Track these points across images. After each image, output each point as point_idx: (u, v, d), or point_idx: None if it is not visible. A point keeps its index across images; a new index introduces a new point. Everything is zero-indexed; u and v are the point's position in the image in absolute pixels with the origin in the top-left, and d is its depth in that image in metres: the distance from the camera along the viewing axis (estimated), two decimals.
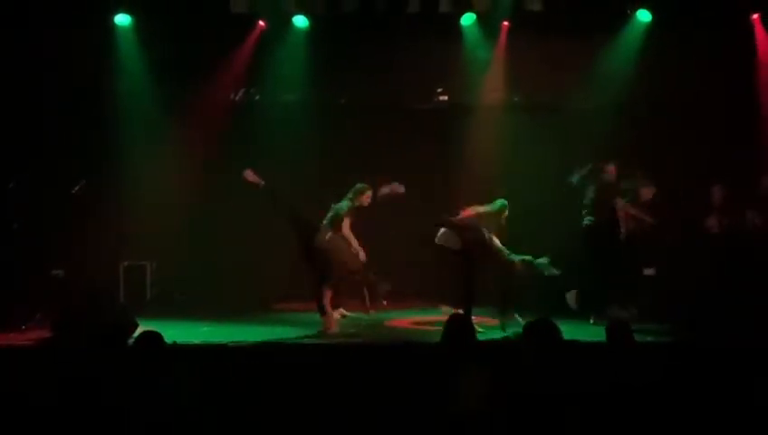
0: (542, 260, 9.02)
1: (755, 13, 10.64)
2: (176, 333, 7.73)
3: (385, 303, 10.05)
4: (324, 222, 8.95)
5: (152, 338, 5.32)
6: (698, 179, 10.39)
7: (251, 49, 11.02)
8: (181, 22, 10.46)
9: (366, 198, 9.12)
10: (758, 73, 10.83)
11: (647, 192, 9.76)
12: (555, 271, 9.02)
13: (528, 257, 9.06)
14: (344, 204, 9.03)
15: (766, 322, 8.29)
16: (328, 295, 8.89)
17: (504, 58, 11.03)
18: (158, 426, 4.84)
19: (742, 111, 10.74)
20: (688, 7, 10.26)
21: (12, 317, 8.92)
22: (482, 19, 10.83)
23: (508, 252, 8.99)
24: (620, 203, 9.58)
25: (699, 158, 10.62)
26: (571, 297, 9.57)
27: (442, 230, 9.12)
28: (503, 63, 11.07)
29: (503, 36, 10.97)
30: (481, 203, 9.17)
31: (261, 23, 10.94)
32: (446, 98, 11.53)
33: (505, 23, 10.88)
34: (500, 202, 9.18)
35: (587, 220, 9.65)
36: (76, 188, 10.44)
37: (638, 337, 5.58)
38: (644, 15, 10.67)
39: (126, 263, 10.70)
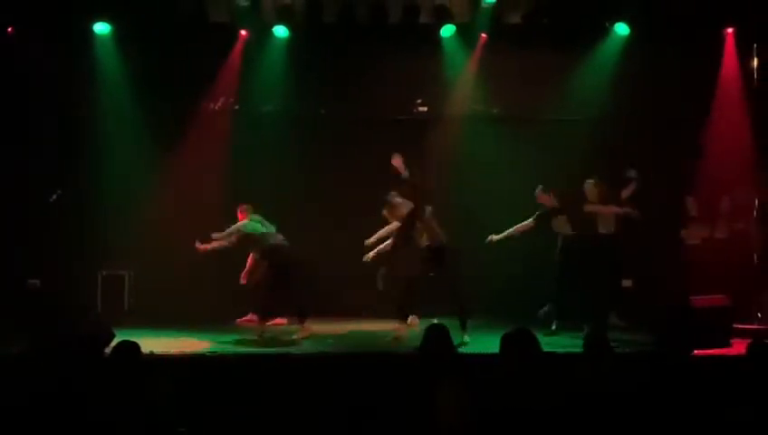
0: None
1: (730, 27, 10.75)
2: (153, 342, 7.71)
3: None
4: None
5: (129, 348, 5.30)
6: (674, 191, 10.48)
7: (234, 58, 11.01)
8: (160, 30, 10.44)
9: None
10: (718, 87, 10.92)
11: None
12: None
13: None
14: None
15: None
16: None
17: (482, 70, 11.07)
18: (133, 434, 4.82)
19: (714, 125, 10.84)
20: (666, 21, 10.34)
21: None
22: (461, 31, 10.88)
23: None
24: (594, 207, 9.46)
25: (675, 170, 10.68)
26: (542, 313, 9.58)
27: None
28: (481, 75, 11.11)
29: (481, 48, 11.01)
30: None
31: (243, 32, 10.94)
32: (425, 109, 11.56)
33: (484, 35, 10.92)
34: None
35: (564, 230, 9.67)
36: (53, 197, 10.38)
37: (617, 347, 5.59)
38: (622, 29, 10.74)
39: (104, 272, 10.63)
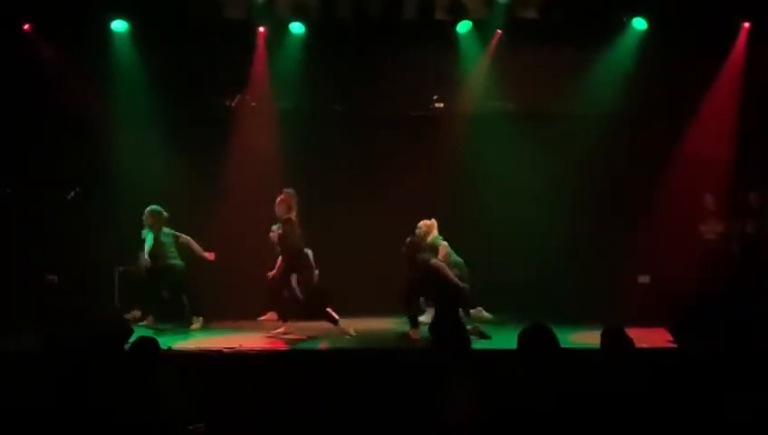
0: None
1: (747, 22, 10.69)
2: (171, 338, 7.76)
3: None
4: None
5: (147, 344, 5.33)
6: (692, 187, 10.45)
7: (259, 55, 11.03)
8: (176, 27, 10.48)
9: None
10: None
11: None
12: None
13: None
14: None
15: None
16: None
17: (498, 66, 11.04)
18: (152, 430, 4.83)
19: (739, 122, 10.77)
20: (684, 16, 10.27)
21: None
22: (477, 27, 10.85)
23: None
24: None
25: (693, 166, 10.64)
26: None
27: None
28: (497, 71, 11.08)
29: (496, 44, 10.98)
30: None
31: (261, 29, 10.95)
32: (441, 105, 11.54)
33: (500, 30, 10.88)
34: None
35: None
36: (71, 195, 10.43)
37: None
38: (639, 24, 10.68)
39: (121, 268, 10.67)
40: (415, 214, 9.93)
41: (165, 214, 9.79)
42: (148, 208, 9.75)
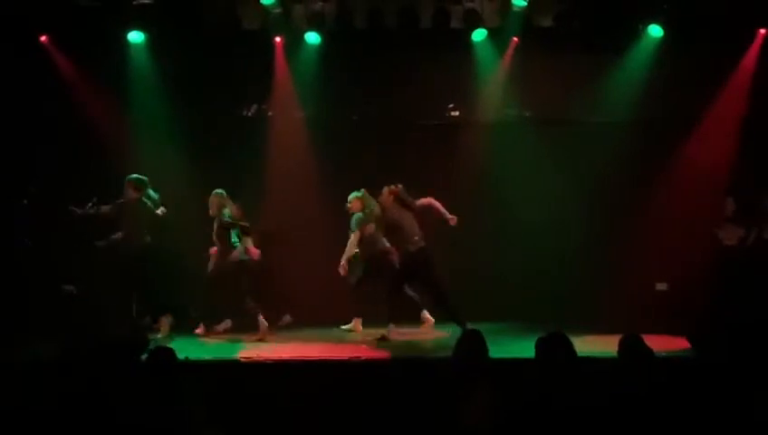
0: None
1: (763, 29, 10.66)
2: (188, 348, 7.76)
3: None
4: None
5: (164, 353, 5.33)
6: (709, 192, 10.40)
7: (279, 65, 11.07)
8: (193, 38, 10.54)
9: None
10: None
11: None
12: None
13: None
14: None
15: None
16: None
17: (514, 74, 11.03)
18: None
19: (753, 126, 10.72)
20: (700, 23, 10.25)
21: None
22: (493, 35, 10.85)
23: None
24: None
25: (709, 171, 10.59)
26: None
27: None
28: (513, 79, 11.07)
29: (513, 52, 10.97)
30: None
31: (278, 39, 10.98)
32: (457, 113, 11.53)
33: (515, 38, 10.88)
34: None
35: None
36: (89, 205, 10.47)
37: None
38: (655, 31, 10.65)
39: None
40: (430, 220, 9.91)
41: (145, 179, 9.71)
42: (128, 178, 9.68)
